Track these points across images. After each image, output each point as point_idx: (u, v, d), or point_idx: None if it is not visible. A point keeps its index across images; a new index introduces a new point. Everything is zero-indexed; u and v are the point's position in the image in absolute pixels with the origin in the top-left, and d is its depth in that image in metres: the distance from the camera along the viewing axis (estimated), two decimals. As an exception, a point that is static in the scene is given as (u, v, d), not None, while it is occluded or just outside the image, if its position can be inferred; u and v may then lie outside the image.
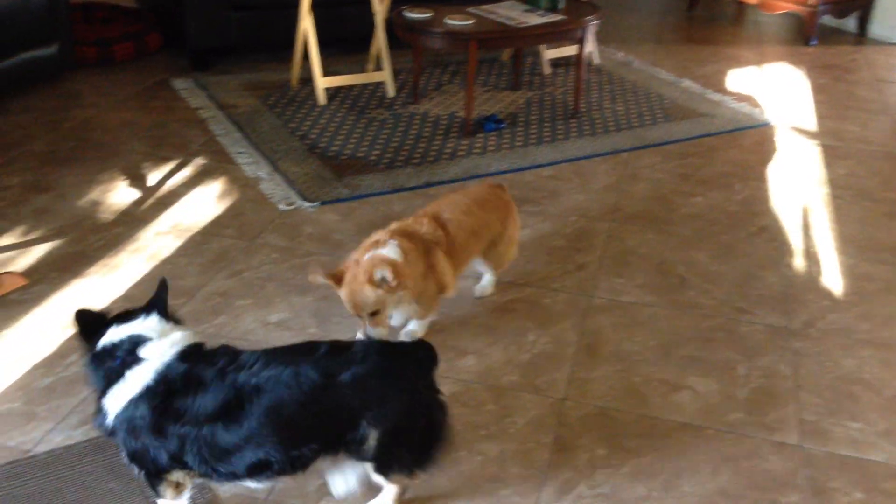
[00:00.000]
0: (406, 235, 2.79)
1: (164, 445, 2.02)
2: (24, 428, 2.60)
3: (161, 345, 2.08)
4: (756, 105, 5.56)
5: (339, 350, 2.11)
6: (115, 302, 3.23)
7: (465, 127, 4.91)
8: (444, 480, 2.45)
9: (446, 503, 2.41)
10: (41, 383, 2.80)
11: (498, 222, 3.17)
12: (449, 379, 2.86)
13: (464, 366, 2.96)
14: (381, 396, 2.07)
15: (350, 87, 5.58)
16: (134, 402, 2.01)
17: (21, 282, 3.31)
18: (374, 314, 2.67)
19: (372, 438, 2.07)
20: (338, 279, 2.66)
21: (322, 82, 5.29)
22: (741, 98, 5.67)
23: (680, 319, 3.28)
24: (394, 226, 2.88)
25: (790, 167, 4.68)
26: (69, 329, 3.06)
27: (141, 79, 5.59)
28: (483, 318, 3.24)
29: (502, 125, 5.04)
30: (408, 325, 3.06)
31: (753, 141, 5.00)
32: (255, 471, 2.06)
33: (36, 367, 2.87)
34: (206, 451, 2.02)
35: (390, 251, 2.66)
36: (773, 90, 5.87)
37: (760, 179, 4.51)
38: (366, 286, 2.62)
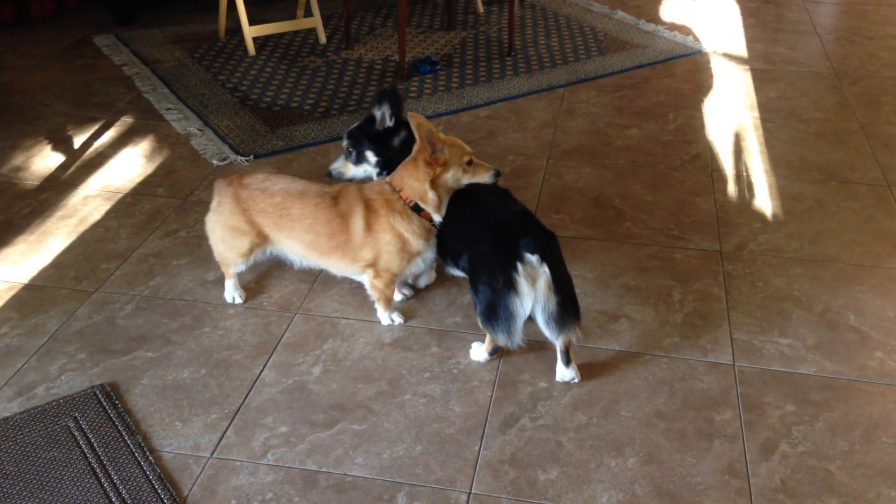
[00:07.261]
0: None
1: None
2: (-42, 402, 2.56)
3: None
4: (688, 33, 5.57)
5: None
6: (45, 270, 3.17)
7: (400, 71, 4.85)
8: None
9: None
10: (-27, 357, 2.74)
11: None
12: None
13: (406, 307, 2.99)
14: None
15: (280, 36, 5.45)
16: None
17: (-55, 255, 3.21)
18: None
19: None
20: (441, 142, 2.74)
21: (250, 31, 5.16)
22: (674, 27, 5.67)
23: (616, 251, 3.32)
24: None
25: (722, 93, 4.71)
26: (-1, 300, 3.00)
27: (61, 37, 5.39)
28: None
29: (438, 67, 4.99)
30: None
31: (686, 69, 5.02)
32: None
33: (-34, 341, 2.81)
34: None
35: None
36: (705, 17, 5.89)
37: (693, 108, 4.54)
38: None
